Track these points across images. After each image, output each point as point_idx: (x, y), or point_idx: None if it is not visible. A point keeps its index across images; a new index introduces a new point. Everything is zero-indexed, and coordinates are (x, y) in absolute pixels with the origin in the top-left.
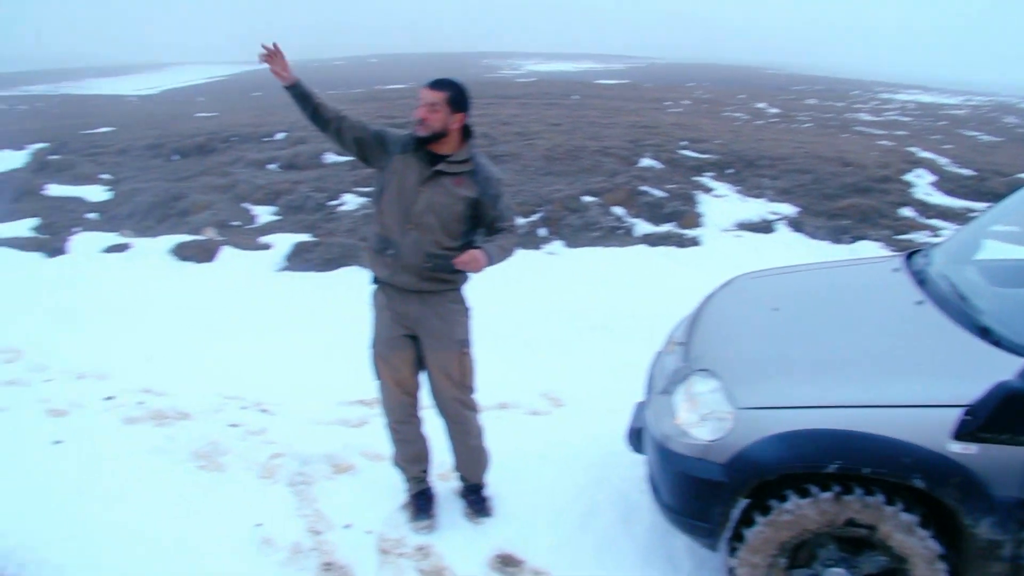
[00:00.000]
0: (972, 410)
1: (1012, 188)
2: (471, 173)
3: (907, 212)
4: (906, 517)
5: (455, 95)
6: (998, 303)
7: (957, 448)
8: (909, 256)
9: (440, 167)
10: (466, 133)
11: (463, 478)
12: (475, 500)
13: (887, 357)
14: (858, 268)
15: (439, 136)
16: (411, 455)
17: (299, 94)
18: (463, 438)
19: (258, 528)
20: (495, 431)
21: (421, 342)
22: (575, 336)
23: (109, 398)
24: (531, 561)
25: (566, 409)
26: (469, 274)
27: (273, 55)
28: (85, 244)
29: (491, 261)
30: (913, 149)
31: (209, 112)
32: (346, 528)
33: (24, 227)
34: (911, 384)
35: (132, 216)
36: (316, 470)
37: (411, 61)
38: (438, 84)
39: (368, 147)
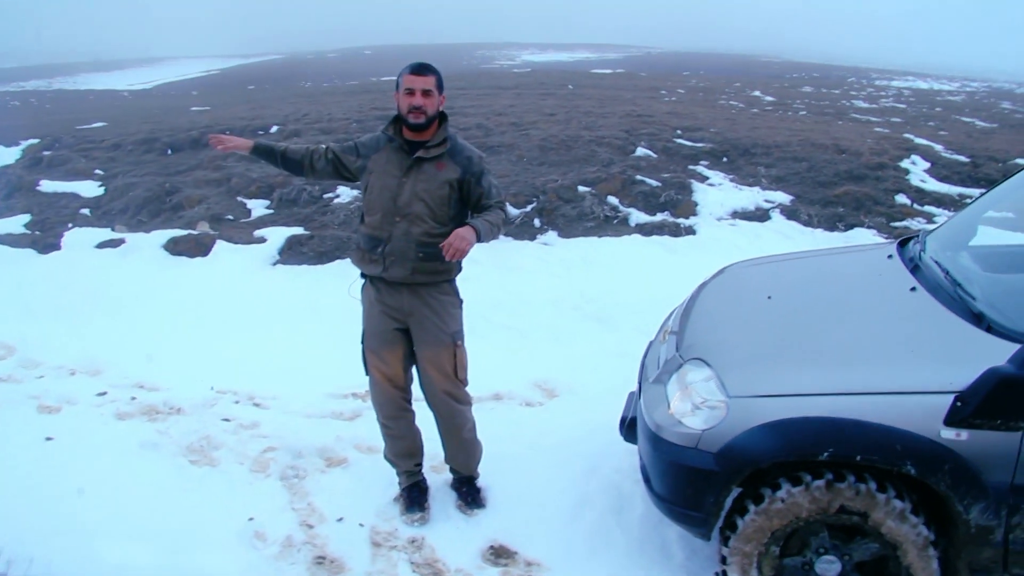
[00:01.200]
0: (963, 396)
1: (1006, 174)
2: (450, 154)
3: (902, 199)
4: (898, 504)
5: (439, 77)
6: (991, 289)
7: (949, 434)
8: (902, 243)
9: (419, 154)
10: (440, 116)
11: (455, 470)
12: (468, 492)
13: (880, 344)
14: (851, 255)
15: (433, 120)
16: (402, 450)
17: (261, 152)
18: (455, 431)
19: (250, 522)
20: (488, 423)
21: (413, 335)
22: (569, 326)
23: (101, 394)
24: (524, 552)
25: (559, 400)
26: (462, 261)
27: (224, 144)
28: (78, 240)
29: (480, 237)
30: (908, 136)
31: (203, 106)
32: (339, 521)
33: (17, 223)
34: (903, 371)
35: (125, 211)
36: (309, 463)
37: (405, 53)
38: (425, 68)
39: (343, 163)
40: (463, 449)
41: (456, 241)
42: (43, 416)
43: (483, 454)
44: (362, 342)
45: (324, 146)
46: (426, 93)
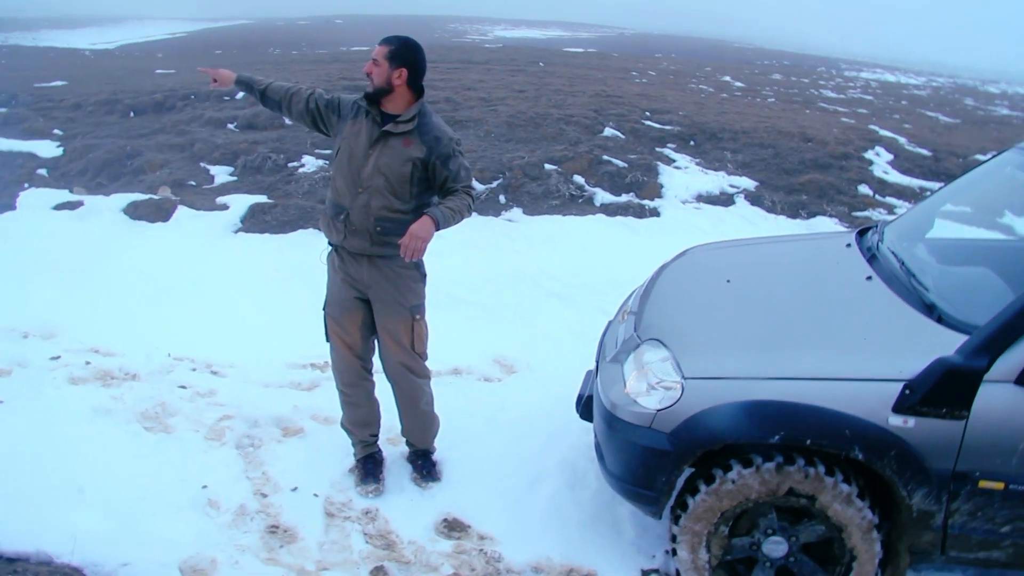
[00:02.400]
0: (911, 385)
1: (966, 169)
2: (419, 132)
3: (864, 189)
4: (845, 488)
5: (396, 49)
6: (944, 281)
7: (896, 421)
8: (861, 233)
9: (387, 127)
10: (417, 92)
11: (411, 443)
12: (423, 465)
13: (834, 331)
14: (811, 243)
15: (383, 92)
16: (360, 419)
17: (244, 85)
18: (412, 404)
19: (204, 490)
20: (446, 397)
21: (373, 306)
22: (530, 303)
23: (55, 358)
24: (477, 526)
25: (518, 376)
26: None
27: (215, 78)
28: (35, 201)
29: (439, 226)
30: (873, 127)
31: (168, 69)
32: (293, 491)
33: None
34: (855, 358)
35: (84, 173)
36: (265, 433)
37: (377, 22)
38: (384, 40)
39: (320, 116)
40: (419, 422)
41: (410, 241)
42: None
43: (440, 428)
44: (324, 308)
45: (309, 92)
46: (374, 61)
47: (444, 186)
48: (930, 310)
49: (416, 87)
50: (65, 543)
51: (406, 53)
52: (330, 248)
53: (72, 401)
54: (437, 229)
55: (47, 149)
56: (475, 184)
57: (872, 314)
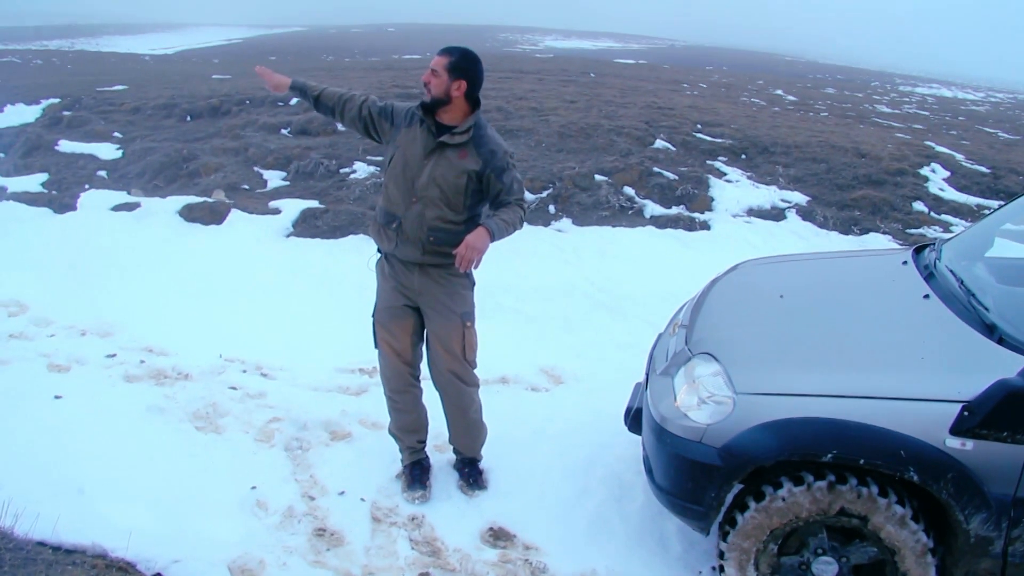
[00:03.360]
0: (971, 407)
1: None
2: (475, 144)
3: (919, 206)
4: (898, 509)
5: (457, 61)
6: (1005, 301)
7: (954, 443)
8: (918, 250)
9: (443, 138)
10: (473, 104)
11: (458, 451)
12: (470, 473)
13: (890, 349)
14: (866, 259)
15: (441, 103)
16: (407, 425)
17: (298, 91)
18: (460, 412)
19: (253, 491)
20: (493, 405)
21: (424, 314)
22: (578, 314)
23: (111, 356)
24: (523, 536)
25: (565, 387)
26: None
27: (271, 82)
28: (94, 201)
29: (494, 237)
30: (929, 143)
31: (224, 74)
32: (340, 495)
33: (34, 182)
34: (911, 377)
35: (142, 175)
36: (313, 436)
37: (428, 32)
38: (444, 50)
39: (372, 123)
40: (468, 430)
41: (467, 252)
42: (53, 374)
43: (487, 437)
44: (373, 315)
45: (362, 99)
46: (433, 71)
47: (497, 198)
48: (990, 330)
49: (473, 99)
50: (119, 537)
51: (466, 65)
52: (379, 255)
53: (127, 399)
54: (492, 240)
55: (107, 151)
56: (527, 196)
57: (929, 333)
